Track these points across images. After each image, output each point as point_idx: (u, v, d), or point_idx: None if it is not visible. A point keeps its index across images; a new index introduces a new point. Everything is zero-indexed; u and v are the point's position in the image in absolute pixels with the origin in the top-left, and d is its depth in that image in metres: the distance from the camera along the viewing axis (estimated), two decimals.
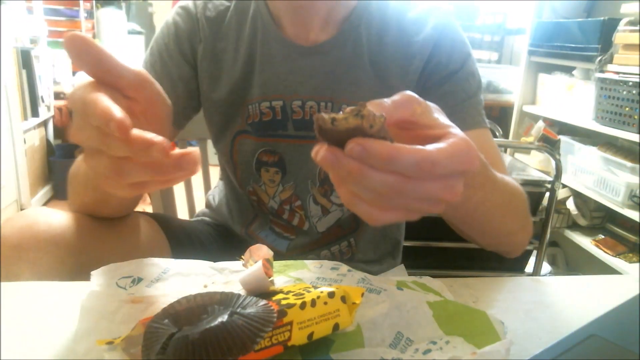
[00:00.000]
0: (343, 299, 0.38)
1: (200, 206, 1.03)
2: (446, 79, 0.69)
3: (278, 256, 0.79)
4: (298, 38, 0.69)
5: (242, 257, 0.52)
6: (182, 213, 1.08)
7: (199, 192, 1.08)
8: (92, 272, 0.49)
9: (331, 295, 0.37)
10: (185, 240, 0.78)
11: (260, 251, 0.51)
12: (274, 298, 0.37)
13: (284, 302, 0.37)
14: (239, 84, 0.71)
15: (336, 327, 0.37)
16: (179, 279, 0.50)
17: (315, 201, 0.75)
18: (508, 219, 0.59)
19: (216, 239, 0.85)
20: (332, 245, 0.79)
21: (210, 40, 0.71)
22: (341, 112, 0.32)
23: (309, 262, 0.55)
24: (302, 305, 0.37)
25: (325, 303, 0.37)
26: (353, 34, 0.69)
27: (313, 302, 0.37)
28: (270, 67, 0.70)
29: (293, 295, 0.39)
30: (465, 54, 0.70)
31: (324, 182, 0.74)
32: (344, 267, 0.53)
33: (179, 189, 1.05)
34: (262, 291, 0.43)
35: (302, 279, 0.51)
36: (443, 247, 1.50)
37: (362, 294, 0.40)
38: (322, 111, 0.67)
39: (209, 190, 1.03)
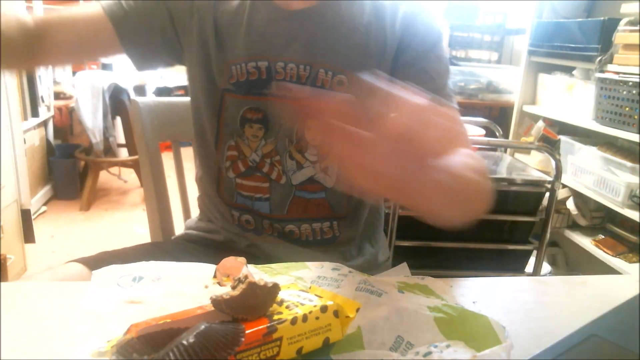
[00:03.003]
0: (336, 314, 0.38)
1: (194, 206, 1.03)
2: (416, 60, 0.75)
3: (260, 217, 0.82)
4: (283, 3, 0.75)
5: (214, 278, 0.52)
6: (177, 213, 1.08)
7: (193, 192, 1.07)
8: (93, 272, 0.49)
9: (323, 309, 0.37)
10: None
11: (224, 267, 0.51)
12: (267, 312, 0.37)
13: (276, 317, 0.37)
14: (224, 44, 0.76)
15: (326, 341, 0.37)
16: (180, 280, 0.50)
17: (291, 156, 0.80)
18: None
19: (204, 250, 0.86)
20: (314, 222, 0.83)
21: (205, 7, 0.76)
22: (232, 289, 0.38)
23: (309, 263, 0.55)
24: (293, 321, 0.36)
25: (317, 318, 0.36)
26: (334, 4, 0.75)
27: (305, 318, 0.37)
28: (257, 29, 0.75)
29: (286, 307, 0.39)
30: (436, 36, 0.77)
31: (299, 140, 0.80)
32: (345, 269, 0.53)
33: (173, 189, 1.06)
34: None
35: (303, 278, 0.51)
36: (443, 247, 1.50)
37: (358, 310, 0.40)
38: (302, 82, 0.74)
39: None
